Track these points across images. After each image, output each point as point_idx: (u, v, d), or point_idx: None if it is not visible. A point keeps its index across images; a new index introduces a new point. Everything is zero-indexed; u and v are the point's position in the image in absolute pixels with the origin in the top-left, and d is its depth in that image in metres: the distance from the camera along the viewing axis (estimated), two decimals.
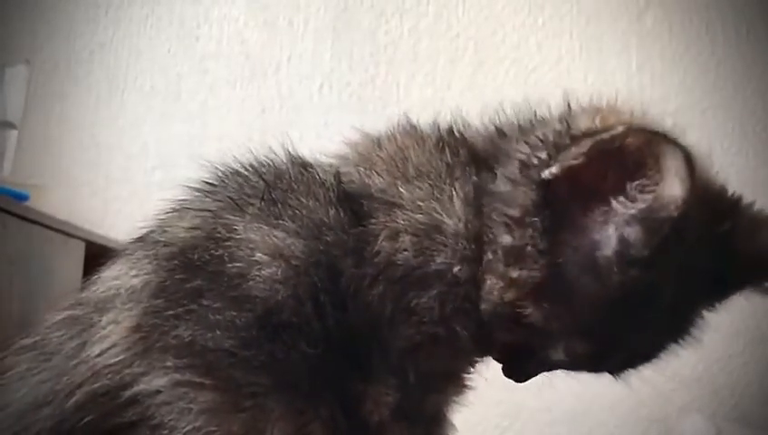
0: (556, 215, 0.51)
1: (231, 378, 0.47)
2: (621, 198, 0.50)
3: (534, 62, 1.57)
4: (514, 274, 0.52)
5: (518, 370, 0.58)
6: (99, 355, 0.48)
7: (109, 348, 0.48)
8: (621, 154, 0.49)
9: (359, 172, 0.57)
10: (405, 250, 0.53)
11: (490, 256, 0.53)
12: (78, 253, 1.16)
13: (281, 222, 0.53)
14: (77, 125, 1.55)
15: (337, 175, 0.57)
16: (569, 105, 0.59)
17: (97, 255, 0.56)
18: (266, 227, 0.52)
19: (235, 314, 0.49)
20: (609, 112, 0.57)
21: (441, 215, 0.54)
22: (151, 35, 1.59)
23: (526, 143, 0.55)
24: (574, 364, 0.56)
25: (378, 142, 0.60)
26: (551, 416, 1.42)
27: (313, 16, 1.59)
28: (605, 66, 1.56)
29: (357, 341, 0.52)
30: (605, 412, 1.40)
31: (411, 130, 0.61)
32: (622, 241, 0.50)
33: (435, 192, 0.55)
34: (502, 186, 0.54)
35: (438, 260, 0.53)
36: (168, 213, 0.57)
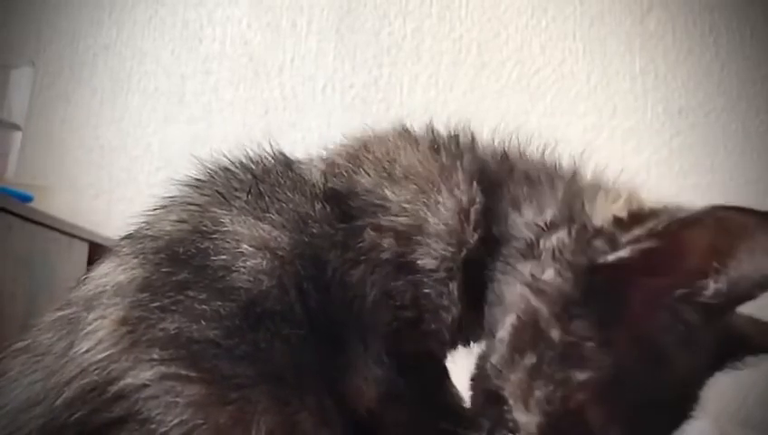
0: (609, 301, 0.49)
1: (216, 369, 0.47)
2: (693, 281, 0.47)
3: (537, 64, 1.57)
4: (582, 376, 0.48)
5: None
6: (86, 352, 0.48)
7: (96, 344, 0.48)
8: (701, 234, 0.46)
9: (347, 171, 0.58)
10: (390, 238, 0.54)
11: (533, 358, 0.49)
12: (81, 254, 1.16)
13: (267, 215, 0.54)
14: (81, 126, 1.55)
15: (326, 171, 0.58)
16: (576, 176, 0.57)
17: (100, 255, 0.57)
18: (253, 220, 0.53)
19: (220, 304, 0.49)
20: (631, 197, 0.54)
21: (426, 215, 0.54)
22: (155, 37, 1.60)
23: (540, 224, 0.53)
24: None
25: (366, 143, 0.60)
26: None
27: (317, 18, 1.59)
28: (608, 68, 1.56)
29: (338, 328, 0.52)
30: None
31: (404, 133, 0.61)
32: (686, 323, 0.48)
33: (421, 195, 0.55)
34: (528, 263, 0.52)
35: (419, 252, 0.53)
36: (156, 209, 0.57)
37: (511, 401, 0.50)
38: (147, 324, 0.48)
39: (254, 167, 0.58)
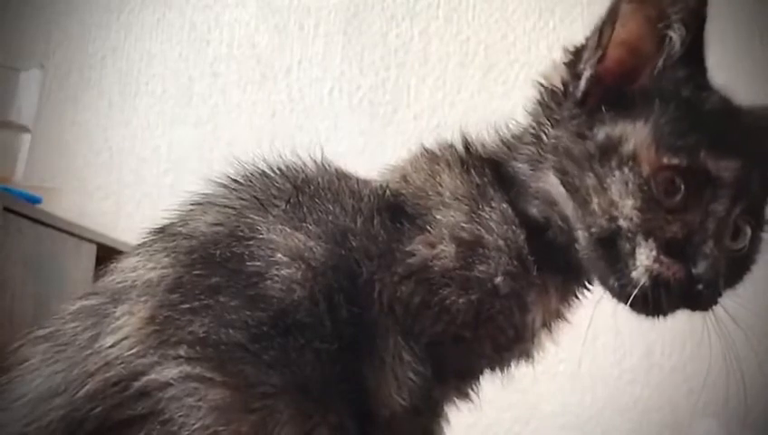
0: (622, 106, 0.54)
1: (242, 375, 0.47)
2: (660, 49, 0.54)
3: (545, 66, 1.56)
4: (628, 147, 0.52)
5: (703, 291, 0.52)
6: (112, 346, 0.48)
7: (122, 339, 0.48)
8: (628, 15, 0.53)
9: (405, 192, 0.58)
10: (444, 257, 0.54)
11: (590, 175, 0.53)
12: (90, 256, 1.17)
13: (304, 225, 0.54)
14: (90, 129, 1.56)
15: (384, 187, 0.58)
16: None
17: (108, 257, 0.57)
18: (289, 230, 0.53)
19: (249, 313, 0.49)
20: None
21: (481, 231, 0.55)
22: (163, 40, 1.60)
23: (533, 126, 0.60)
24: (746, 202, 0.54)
25: (404, 176, 0.60)
26: (563, 420, 1.42)
27: (324, 20, 1.59)
28: None
29: (371, 338, 0.52)
30: (617, 417, 1.39)
31: (431, 156, 0.62)
32: (684, 68, 0.55)
33: (471, 213, 0.56)
34: (546, 154, 0.57)
35: (481, 268, 0.54)
36: (190, 205, 0.57)
37: (608, 224, 0.52)
38: (175, 325, 0.48)
39: (294, 175, 0.58)
